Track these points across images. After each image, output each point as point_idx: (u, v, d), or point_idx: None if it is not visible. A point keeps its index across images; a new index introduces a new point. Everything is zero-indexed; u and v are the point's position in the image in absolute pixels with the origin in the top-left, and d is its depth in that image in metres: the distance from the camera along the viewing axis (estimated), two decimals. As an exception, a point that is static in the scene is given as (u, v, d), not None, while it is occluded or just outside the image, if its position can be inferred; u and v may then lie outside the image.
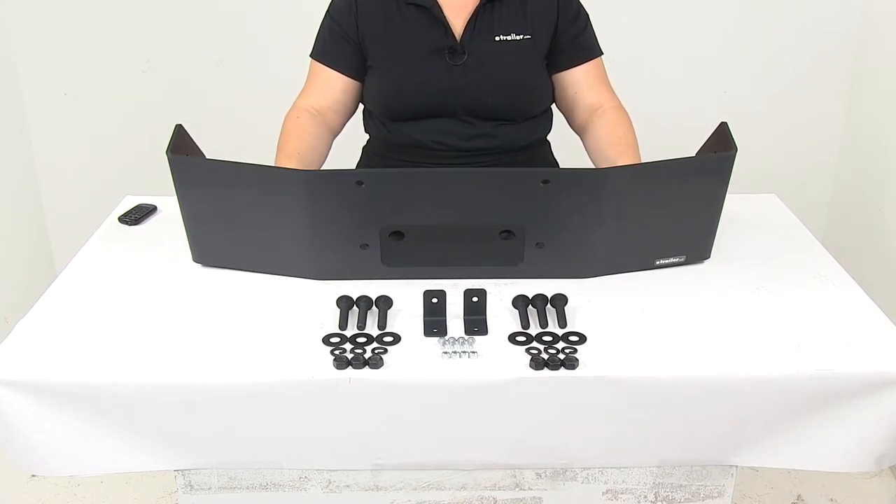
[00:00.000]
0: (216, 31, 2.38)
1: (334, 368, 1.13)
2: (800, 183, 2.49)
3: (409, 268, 1.34)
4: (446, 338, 1.20)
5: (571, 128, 1.71)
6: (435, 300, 1.23)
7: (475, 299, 1.24)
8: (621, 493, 1.27)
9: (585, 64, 1.64)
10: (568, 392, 1.13)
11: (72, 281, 1.36)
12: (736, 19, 2.36)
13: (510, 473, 1.25)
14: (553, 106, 1.73)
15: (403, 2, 1.59)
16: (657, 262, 1.37)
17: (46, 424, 1.15)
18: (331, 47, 1.63)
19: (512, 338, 1.20)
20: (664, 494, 1.27)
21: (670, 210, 1.32)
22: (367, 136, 1.76)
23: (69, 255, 1.45)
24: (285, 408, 1.14)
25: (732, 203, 1.36)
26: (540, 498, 1.27)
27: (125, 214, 1.57)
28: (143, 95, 2.43)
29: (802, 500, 2.01)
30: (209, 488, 1.25)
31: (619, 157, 1.51)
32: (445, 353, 1.17)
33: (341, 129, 1.69)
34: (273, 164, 1.50)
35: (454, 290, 1.25)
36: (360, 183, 1.24)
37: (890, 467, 2.08)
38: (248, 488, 1.25)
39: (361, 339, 1.20)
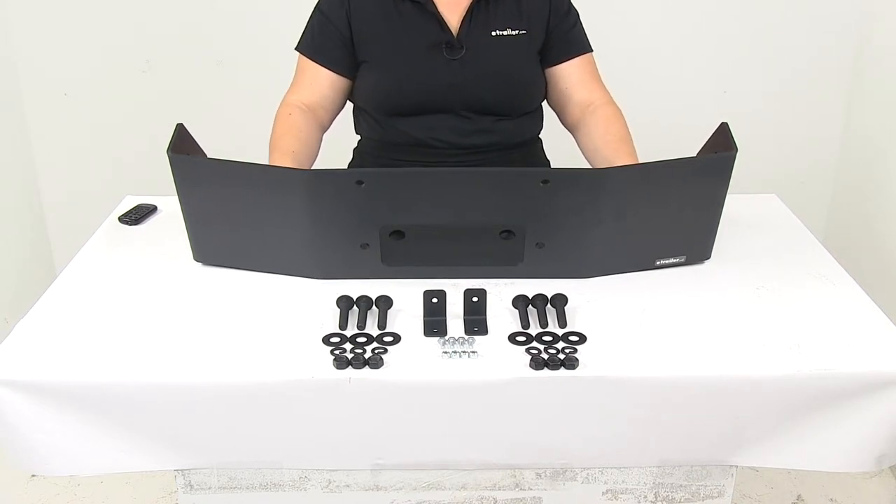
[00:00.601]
0: (216, 31, 2.38)
1: (334, 368, 1.13)
2: (800, 183, 2.49)
3: (409, 267, 1.34)
4: (446, 338, 1.20)
5: (563, 124, 1.71)
6: (435, 300, 1.23)
7: (475, 299, 1.24)
8: (621, 493, 1.27)
9: (576, 59, 1.65)
10: (568, 392, 1.13)
11: (72, 281, 1.36)
12: (736, 19, 2.36)
13: (510, 473, 1.25)
14: (544, 105, 1.73)
15: None
16: (657, 263, 1.37)
17: (46, 424, 1.15)
18: (320, 43, 1.62)
19: (512, 338, 1.20)
20: (664, 494, 1.27)
21: (670, 210, 1.32)
22: (357, 137, 1.76)
23: (69, 255, 1.45)
24: (285, 408, 1.14)
25: (732, 203, 1.36)
26: (540, 498, 1.27)
27: (125, 214, 1.57)
28: (143, 95, 2.43)
29: (802, 500, 2.01)
30: (209, 488, 1.25)
31: (615, 155, 1.51)
32: (445, 353, 1.17)
33: (330, 125, 1.69)
34: (268, 163, 1.50)
35: (454, 290, 1.25)
36: (360, 182, 1.24)
37: (890, 467, 2.08)
38: (248, 488, 1.25)
39: (361, 339, 1.20)
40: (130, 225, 1.55)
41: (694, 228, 1.37)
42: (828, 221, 2.54)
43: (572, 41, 1.65)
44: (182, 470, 1.23)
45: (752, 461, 1.22)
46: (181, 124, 1.38)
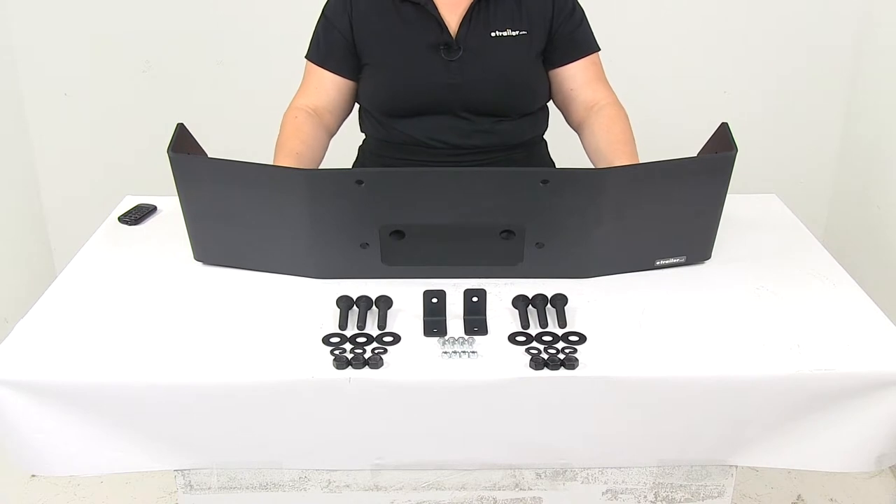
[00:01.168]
0: (216, 31, 2.38)
1: (334, 368, 1.13)
2: (800, 183, 2.49)
3: (409, 267, 1.34)
4: (446, 338, 1.20)
5: (569, 124, 1.71)
6: (435, 300, 1.23)
7: (475, 299, 1.24)
8: (621, 493, 1.27)
9: (581, 60, 1.64)
10: (568, 392, 1.13)
11: (72, 281, 1.36)
12: (736, 19, 2.36)
13: (510, 473, 1.25)
14: (550, 105, 1.73)
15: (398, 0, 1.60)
16: (657, 263, 1.37)
17: (46, 424, 1.15)
18: (325, 48, 1.63)
19: (512, 338, 1.20)
20: (664, 494, 1.27)
21: (670, 210, 1.32)
22: (363, 136, 1.76)
23: (69, 255, 1.45)
24: (285, 408, 1.14)
25: (732, 203, 1.36)
26: (540, 498, 1.27)
27: (125, 214, 1.57)
28: (143, 95, 2.43)
29: (802, 500, 2.01)
30: (209, 488, 1.25)
31: (615, 156, 1.51)
32: (445, 353, 1.17)
33: (338, 129, 1.69)
34: (272, 163, 1.51)
35: (454, 290, 1.26)
36: (360, 182, 1.24)
37: (890, 467, 2.08)
38: (248, 488, 1.25)
39: (361, 339, 1.20)
40: (130, 225, 1.55)
41: (694, 228, 1.37)
42: (828, 221, 2.54)
43: (578, 42, 1.64)
44: (182, 470, 1.23)
45: (752, 461, 1.22)
46: (181, 124, 1.38)
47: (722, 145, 1.33)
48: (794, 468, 1.23)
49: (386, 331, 1.22)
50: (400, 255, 1.32)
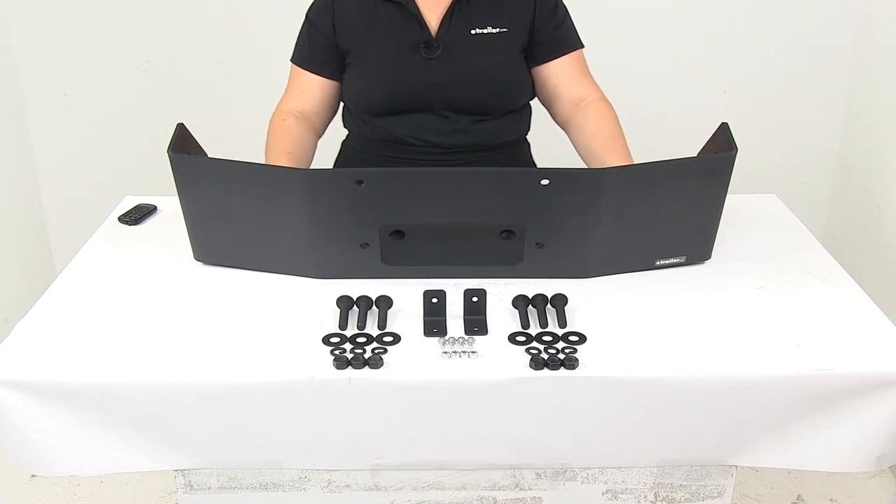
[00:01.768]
0: (216, 31, 2.38)
1: (334, 368, 1.13)
2: (800, 183, 2.49)
3: (409, 267, 1.34)
4: (446, 338, 1.20)
5: (555, 121, 1.71)
6: (435, 300, 1.23)
7: (475, 299, 1.24)
8: (621, 493, 1.27)
9: (565, 56, 1.64)
10: (568, 392, 1.13)
11: (72, 281, 1.36)
12: (736, 19, 2.36)
13: (510, 473, 1.25)
14: (535, 105, 1.73)
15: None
16: (657, 263, 1.37)
17: (46, 424, 1.15)
18: (310, 51, 1.64)
19: (512, 338, 1.20)
20: (664, 494, 1.27)
21: (670, 210, 1.32)
22: (345, 131, 1.77)
23: (69, 255, 1.45)
24: (285, 408, 1.14)
25: (732, 203, 1.36)
26: (540, 498, 1.27)
27: (125, 214, 1.57)
28: (143, 95, 2.43)
29: (802, 500, 2.01)
30: (209, 488, 1.25)
31: (606, 153, 1.52)
32: (445, 353, 1.17)
33: (324, 130, 1.71)
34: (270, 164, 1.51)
35: (454, 290, 1.26)
36: (360, 182, 1.24)
37: (890, 467, 2.08)
38: (248, 488, 1.25)
39: (361, 339, 1.20)
40: (130, 225, 1.55)
41: (694, 228, 1.37)
42: (828, 221, 2.54)
43: (561, 39, 1.64)
44: (182, 470, 1.23)
45: (752, 461, 1.22)
46: (181, 124, 1.38)
47: (722, 145, 1.33)
48: (794, 468, 1.23)
49: (386, 331, 1.22)
50: (400, 255, 1.32)
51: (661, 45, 2.39)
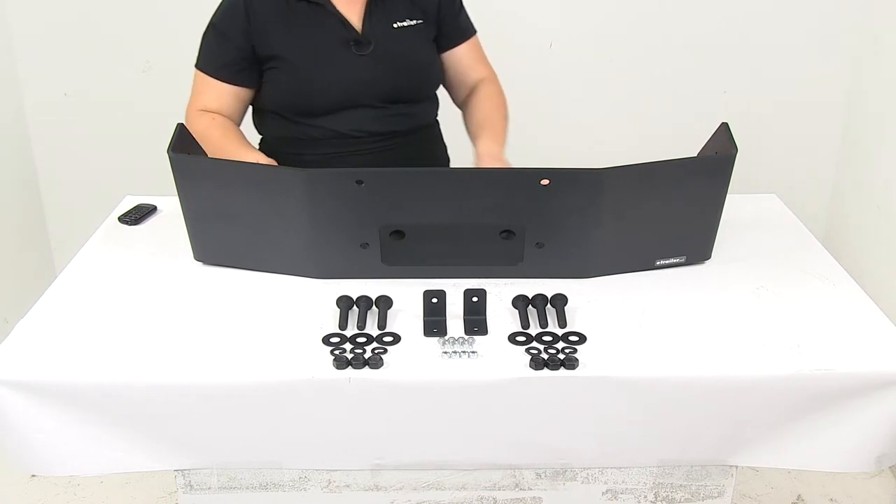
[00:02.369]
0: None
1: (334, 368, 1.13)
2: (800, 183, 2.49)
3: (409, 267, 1.34)
4: (446, 338, 1.20)
5: (455, 103, 1.82)
6: (435, 300, 1.23)
7: (475, 299, 1.24)
8: (621, 493, 1.27)
9: (465, 43, 1.76)
10: (568, 392, 1.13)
11: (72, 281, 1.36)
12: (736, 19, 2.36)
13: (510, 473, 1.25)
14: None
15: (294, 1, 1.61)
16: (657, 263, 1.37)
17: (46, 424, 1.15)
18: (221, 61, 1.64)
19: (512, 338, 1.20)
20: (664, 494, 1.27)
21: (670, 210, 1.32)
22: (258, 137, 1.78)
23: (69, 255, 1.45)
24: (285, 408, 1.14)
25: (732, 203, 1.36)
26: (540, 498, 1.27)
27: (125, 214, 1.57)
28: (143, 95, 2.43)
29: (802, 500, 2.01)
30: (209, 488, 1.25)
31: (480, 129, 1.67)
32: (445, 353, 1.17)
33: None
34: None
35: (454, 290, 1.25)
36: (360, 182, 1.24)
37: (890, 467, 2.08)
38: (248, 488, 1.25)
39: (361, 339, 1.20)
40: (130, 225, 1.55)
41: (694, 228, 1.37)
42: (828, 221, 2.54)
43: (461, 27, 1.75)
44: (182, 470, 1.23)
45: (752, 461, 1.22)
46: (181, 124, 1.38)
47: (722, 145, 1.33)
48: (794, 468, 1.23)
49: (386, 331, 1.22)
50: (400, 255, 1.32)
51: (662, 45, 2.39)
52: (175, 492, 1.27)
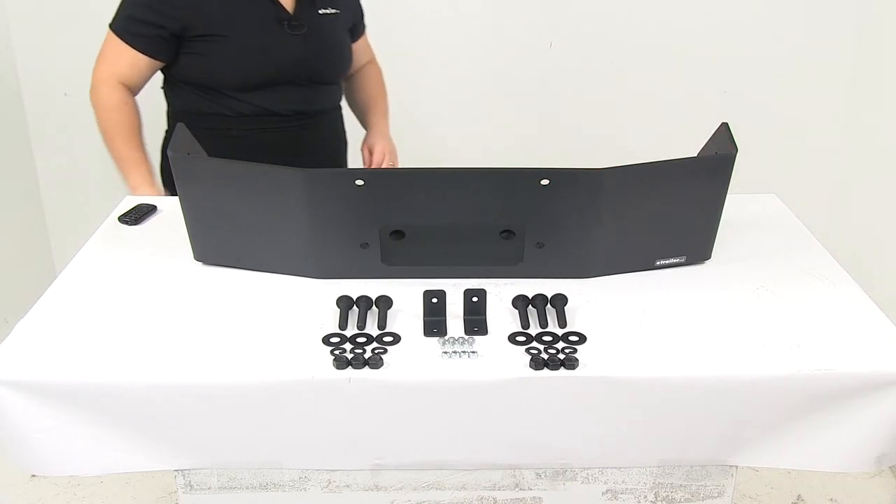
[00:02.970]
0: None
1: (334, 368, 1.13)
2: (800, 183, 2.49)
3: (409, 267, 1.34)
4: (446, 338, 1.20)
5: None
6: (435, 300, 1.23)
7: (475, 299, 1.24)
8: (621, 493, 1.27)
9: (363, 34, 2.01)
10: (568, 392, 1.13)
11: (72, 281, 1.36)
12: (736, 19, 2.36)
13: (510, 473, 1.25)
14: None
15: None
16: (657, 263, 1.37)
17: (46, 424, 1.15)
18: (146, 30, 1.70)
19: (512, 338, 1.20)
20: (664, 494, 1.27)
21: (670, 210, 1.32)
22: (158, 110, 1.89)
23: (69, 255, 1.45)
24: (285, 408, 1.14)
25: (732, 203, 1.36)
26: (540, 498, 1.27)
27: (125, 214, 1.57)
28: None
29: (802, 500, 2.02)
30: (209, 488, 1.25)
31: (371, 105, 2.02)
32: (445, 353, 1.17)
33: None
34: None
35: (454, 290, 1.25)
36: (360, 182, 1.24)
37: (890, 467, 2.08)
38: (248, 488, 1.25)
39: (361, 339, 1.20)
40: (130, 225, 1.55)
41: (694, 228, 1.37)
42: (828, 221, 2.54)
43: (362, 21, 2.00)
44: (182, 470, 1.23)
45: (752, 461, 1.22)
46: (182, 124, 1.38)
47: (722, 145, 1.33)
48: (794, 468, 1.23)
49: (386, 331, 1.22)
50: (400, 255, 1.32)
51: (662, 45, 2.39)
52: (175, 492, 1.27)
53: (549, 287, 1.29)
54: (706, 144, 1.39)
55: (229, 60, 1.72)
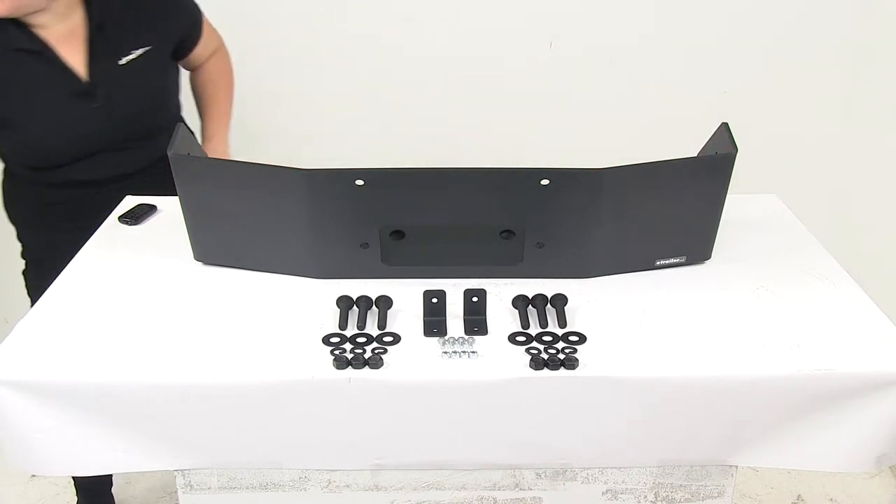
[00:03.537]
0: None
1: (334, 368, 1.13)
2: (800, 183, 2.49)
3: (409, 267, 1.34)
4: (446, 338, 1.20)
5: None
6: (435, 300, 1.23)
7: (475, 299, 1.24)
8: (621, 493, 1.27)
9: (202, 37, 1.76)
10: (568, 392, 1.13)
11: (72, 281, 1.36)
12: (736, 19, 2.36)
13: (510, 473, 1.25)
14: None
15: (10, 50, 1.50)
16: (657, 263, 1.37)
17: (46, 424, 1.15)
18: None
19: (512, 338, 1.20)
20: (664, 494, 1.27)
21: (670, 210, 1.32)
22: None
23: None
24: (285, 408, 1.14)
25: (732, 203, 1.36)
26: (540, 498, 1.27)
27: (125, 214, 1.57)
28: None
29: (802, 500, 2.02)
30: (209, 488, 1.25)
31: (210, 108, 1.83)
32: (445, 353, 1.17)
33: None
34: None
35: (454, 290, 1.25)
36: (360, 182, 1.24)
37: (890, 467, 2.08)
38: (248, 488, 1.25)
39: (361, 339, 1.20)
40: (130, 225, 1.55)
41: (694, 228, 1.37)
42: (828, 221, 2.54)
43: (198, 28, 1.74)
44: (182, 470, 1.23)
45: (752, 461, 1.22)
46: (182, 124, 1.38)
47: (722, 145, 1.33)
48: (794, 468, 1.23)
49: (386, 331, 1.22)
50: (400, 255, 1.33)
51: (662, 45, 2.39)
52: (175, 492, 1.27)
53: (549, 287, 1.29)
54: (706, 144, 1.39)
55: (26, 145, 1.56)
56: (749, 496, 2.02)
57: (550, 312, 1.25)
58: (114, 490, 2.03)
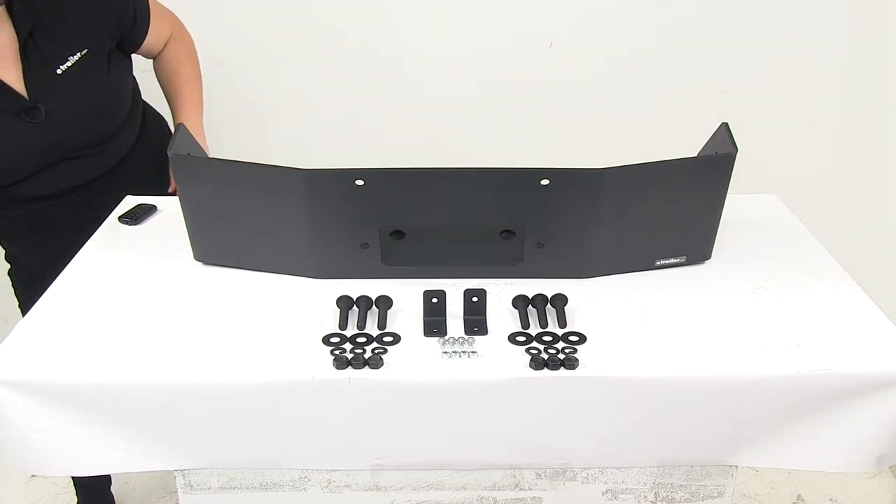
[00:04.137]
0: (216, 32, 2.37)
1: (334, 368, 1.13)
2: (800, 183, 2.49)
3: (409, 267, 1.34)
4: (446, 338, 1.20)
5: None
6: (435, 300, 1.23)
7: (475, 299, 1.24)
8: (621, 493, 1.27)
9: (151, 27, 1.67)
10: (568, 392, 1.13)
11: (72, 281, 1.36)
12: (736, 19, 2.36)
13: (510, 473, 1.25)
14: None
15: None
16: (657, 263, 1.37)
17: (46, 424, 1.15)
18: None
19: (512, 338, 1.20)
20: (664, 494, 1.27)
21: (670, 210, 1.32)
22: None
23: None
24: (285, 408, 1.14)
25: (732, 203, 1.36)
26: (540, 498, 1.27)
27: (125, 214, 1.57)
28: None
29: (802, 500, 2.02)
30: (209, 488, 1.25)
31: (179, 100, 1.76)
32: (445, 353, 1.17)
33: None
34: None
35: (454, 290, 1.26)
36: (360, 182, 1.24)
37: (890, 467, 2.09)
38: (248, 488, 1.25)
39: (361, 339, 1.20)
40: (130, 225, 1.55)
41: (694, 228, 1.37)
42: (828, 221, 2.54)
43: (142, 19, 1.65)
44: (182, 470, 1.23)
45: (752, 461, 1.22)
46: (182, 124, 1.38)
47: (722, 145, 1.33)
48: (794, 468, 1.23)
49: (386, 331, 1.22)
50: (400, 255, 1.33)
51: (661, 45, 2.39)
52: (175, 492, 1.27)
53: (549, 287, 1.29)
54: (706, 144, 1.39)
55: None
56: (749, 496, 2.02)
57: (550, 312, 1.25)
58: (114, 490, 2.03)
